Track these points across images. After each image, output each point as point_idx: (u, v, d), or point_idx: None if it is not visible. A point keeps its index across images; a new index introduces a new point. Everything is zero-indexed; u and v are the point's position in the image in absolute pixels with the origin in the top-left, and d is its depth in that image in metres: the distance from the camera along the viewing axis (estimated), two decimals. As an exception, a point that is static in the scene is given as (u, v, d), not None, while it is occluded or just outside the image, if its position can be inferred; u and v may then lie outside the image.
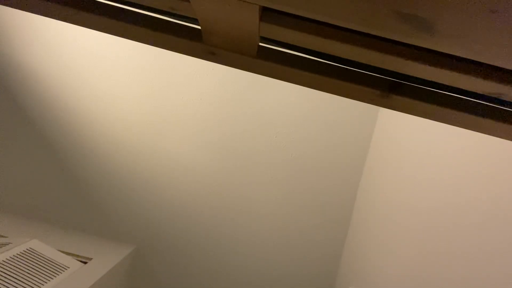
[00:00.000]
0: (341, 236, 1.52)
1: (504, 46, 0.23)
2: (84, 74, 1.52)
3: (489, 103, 0.36)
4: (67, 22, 0.38)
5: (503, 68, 0.29)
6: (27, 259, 1.10)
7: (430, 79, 0.32)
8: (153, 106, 1.52)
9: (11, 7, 0.38)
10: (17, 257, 1.08)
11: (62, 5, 0.36)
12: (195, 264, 1.54)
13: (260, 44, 0.36)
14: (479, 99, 0.36)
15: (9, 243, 1.15)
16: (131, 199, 1.53)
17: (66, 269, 1.16)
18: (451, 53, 0.26)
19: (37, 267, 1.09)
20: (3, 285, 0.96)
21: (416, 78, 0.36)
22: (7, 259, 1.05)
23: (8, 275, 1.00)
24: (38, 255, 1.15)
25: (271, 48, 0.38)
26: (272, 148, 1.52)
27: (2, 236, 1.28)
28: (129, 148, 1.53)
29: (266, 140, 1.52)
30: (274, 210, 1.53)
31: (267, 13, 0.30)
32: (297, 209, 1.52)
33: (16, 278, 1.01)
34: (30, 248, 1.16)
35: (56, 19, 0.38)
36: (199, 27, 0.36)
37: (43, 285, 1.04)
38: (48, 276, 1.08)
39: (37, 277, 1.05)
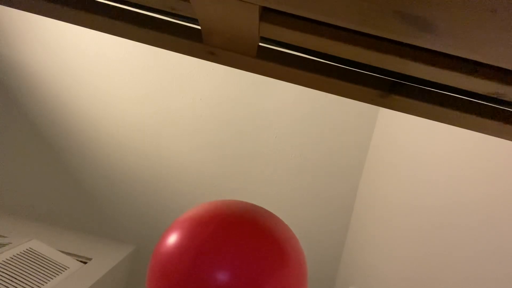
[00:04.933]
0: (340, 237, 1.52)
1: (504, 46, 0.23)
2: (84, 74, 1.52)
3: (489, 103, 0.36)
4: (67, 22, 0.38)
5: (503, 68, 0.29)
6: (27, 259, 1.10)
7: (430, 79, 0.32)
8: (153, 106, 1.52)
9: (11, 7, 0.38)
10: (17, 257, 1.08)
11: (62, 5, 0.36)
12: (195, 264, 1.54)
13: (260, 44, 0.36)
14: (479, 99, 0.36)
15: (9, 243, 1.15)
16: (131, 199, 1.53)
17: (66, 269, 1.16)
18: (451, 53, 0.26)
19: (37, 267, 1.09)
20: (3, 285, 0.96)
21: (416, 78, 0.36)
22: (7, 259, 1.05)
23: (8, 275, 1.00)
24: (38, 255, 1.15)
25: (271, 48, 0.38)
26: (272, 149, 1.52)
27: (2, 236, 1.28)
28: (129, 148, 1.53)
29: (266, 141, 1.52)
30: (273, 210, 1.52)
31: (267, 13, 0.30)
32: (296, 209, 1.52)
33: (16, 278, 1.01)
34: (30, 248, 1.15)
35: (57, 19, 0.38)
36: (199, 27, 0.36)
37: (43, 285, 1.04)
38: (48, 276, 1.08)
39: (37, 277, 1.05)
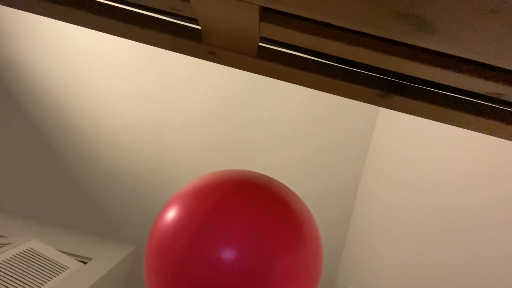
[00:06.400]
0: (340, 237, 1.52)
1: (504, 46, 0.23)
2: (84, 74, 1.52)
3: (489, 103, 0.36)
4: (67, 22, 0.38)
5: (503, 68, 0.29)
6: (27, 259, 1.10)
7: (430, 79, 0.32)
8: (153, 106, 1.52)
9: (11, 7, 0.38)
10: (17, 257, 1.08)
11: (62, 5, 0.36)
12: (195, 264, 1.54)
13: (260, 44, 0.36)
14: (479, 99, 0.36)
15: (9, 243, 1.15)
16: (131, 199, 1.53)
17: (66, 269, 1.16)
18: (451, 53, 0.26)
19: (37, 267, 1.09)
20: (3, 285, 0.96)
21: (416, 78, 0.36)
22: (7, 259, 1.05)
23: (8, 275, 1.00)
24: (38, 255, 1.15)
25: (271, 48, 0.38)
26: (272, 149, 1.52)
27: (2, 236, 1.28)
28: (129, 148, 1.53)
29: (266, 141, 1.52)
30: (274, 210, 1.52)
31: (267, 13, 0.30)
32: (297, 209, 1.52)
33: (16, 278, 1.01)
34: (30, 248, 1.15)
35: (56, 19, 0.38)
36: (199, 27, 0.35)
37: (43, 285, 1.04)
38: (48, 276, 1.08)
39: (37, 277, 1.05)
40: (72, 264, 1.21)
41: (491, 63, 0.26)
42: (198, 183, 0.43)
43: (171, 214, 0.39)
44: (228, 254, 0.34)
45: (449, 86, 0.35)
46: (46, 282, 1.05)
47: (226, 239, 0.35)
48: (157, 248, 0.39)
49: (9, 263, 1.04)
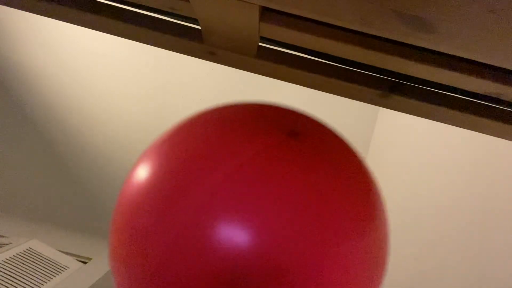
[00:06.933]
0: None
1: (504, 46, 0.23)
2: (84, 74, 1.52)
3: (489, 103, 0.36)
4: (66, 22, 0.38)
5: (503, 68, 0.29)
6: (27, 259, 1.10)
7: (430, 79, 0.32)
8: (153, 106, 1.52)
9: (11, 7, 0.38)
10: (17, 257, 1.08)
11: (61, 5, 0.36)
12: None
13: (260, 44, 0.36)
14: (479, 99, 0.36)
15: (9, 243, 1.15)
16: (131, 199, 1.53)
17: (66, 269, 1.16)
18: (451, 53, 0.26)
19: (37, 267, 1.09)
20: (3, 285, 0.96)
21: (416, 78, 0.36)
22: (7, 259, 1.05)
23: (8, 275, 1.00)
24: (38, 255, 1.15)
25: (271, 48, 0.38)
26: (272, 148, 1.52)
27: (2, 236, 1.28)
28: (129, 147, 1.53)
29: (266, 140, 1.52)
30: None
31: (267, 13, 0.30)
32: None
33: (16, 278, 1.01)
34: (30, 248, 1.15)
35: (56, 19, 0.38)
36: (199, 27, 0.35)
37: (42, 285, 1.04)
38: (48, 276, 1.08)
39: (36, 277, 1.05)
40: (72, 264, 1.21)
41: (491, 63, 0.26)
42: (199, 120, 0.24)
43: (142, 174, 0.23)
44: (248, 240, 0.20)
45: (449, 86, 0.35)
46: (46, 282, 1.05)
47: (248, 218, 0.20)
48: (127, 231, 0.23)
49: (9, 263, 1.04)
